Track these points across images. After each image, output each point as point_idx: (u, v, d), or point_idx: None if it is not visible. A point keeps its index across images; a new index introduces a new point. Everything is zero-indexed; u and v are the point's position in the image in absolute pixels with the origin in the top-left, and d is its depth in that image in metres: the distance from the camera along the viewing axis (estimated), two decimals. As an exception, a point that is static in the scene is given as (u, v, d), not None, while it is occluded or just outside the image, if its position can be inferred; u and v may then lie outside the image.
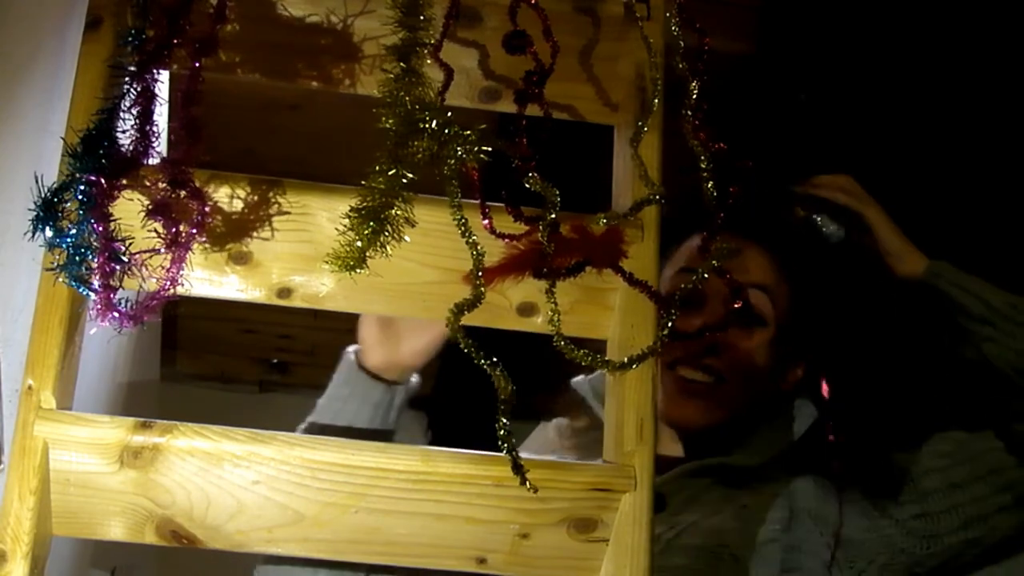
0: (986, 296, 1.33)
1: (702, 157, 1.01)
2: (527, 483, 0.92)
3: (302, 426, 1.28)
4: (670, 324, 0.98)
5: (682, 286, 1.02)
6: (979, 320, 1.32)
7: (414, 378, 1.31)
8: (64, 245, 0.93)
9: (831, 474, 1.36)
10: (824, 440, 1.39)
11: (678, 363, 1.37)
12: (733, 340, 1.37)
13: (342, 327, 1.33)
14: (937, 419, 1.40)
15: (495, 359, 0.92)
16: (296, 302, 1.08)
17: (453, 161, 0.93)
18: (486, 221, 0.99)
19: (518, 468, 0.92)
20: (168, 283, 0.99)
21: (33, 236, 0.93)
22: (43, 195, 0.93)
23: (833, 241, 1.41)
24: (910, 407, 1.50)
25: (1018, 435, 1.31)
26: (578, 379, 1.44)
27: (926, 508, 1.32)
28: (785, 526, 1.32)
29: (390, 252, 0.94)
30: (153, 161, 1.00)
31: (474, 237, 0.95)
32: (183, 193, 1.00)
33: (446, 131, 0.92)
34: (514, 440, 0.92)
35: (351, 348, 1.30)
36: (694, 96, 1.02)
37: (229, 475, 1.00)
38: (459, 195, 0.95)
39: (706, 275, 1.01)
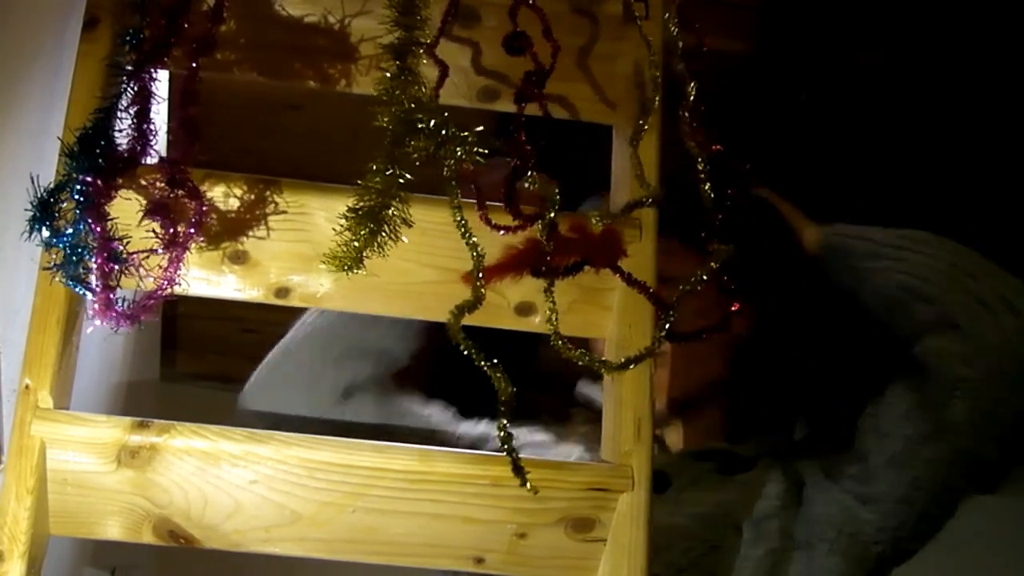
0: (870, 234, 1.35)
1: (699, 159, 1.01)
2: (527, 484, 0.92)
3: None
4: (667, 325, 0.98)
5: (681, 287, 1.01)
6: (868, 256, 1.33)
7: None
8: (61, 245, 0.93)
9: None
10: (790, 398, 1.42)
11: None
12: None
13: (342, 327, 1.32)
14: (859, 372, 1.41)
15: (495, 360, 0.92)
16: (294, 301, 1.08)
17: (451, 161, 0.93)
18: (480, 211, 0.99)
19: (519, 469, 0.92)
20: (166, 283, 0.99)
21: (30, 236, 0.93)
22: (39, 195, 0.93)
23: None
24: (836, 364, 1.49)
25: (916, 359, 1.30)
26: (582, 384, 1.44)
27: (867, 470, 1.32)
28: (785, 502, 1.33)
29: (388, 252, 0.94)
30: (151, 161, 1.00)
31: (474, 238, 0.95)
32: (181, 193, 1.00)
33: (443, 131, 0.92)
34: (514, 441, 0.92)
35: None
36: (691, 97, 1.02)
37: (226, 475, 1.00)
38: (459, 195, 0.95)
39: (704, 277, 1.01)
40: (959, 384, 1.27)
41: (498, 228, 0.98)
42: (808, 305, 1.43)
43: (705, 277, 1.01)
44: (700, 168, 1.01)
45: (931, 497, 1.31)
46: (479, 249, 0.95)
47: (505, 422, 0.92)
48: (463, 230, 0.94)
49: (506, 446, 0.92)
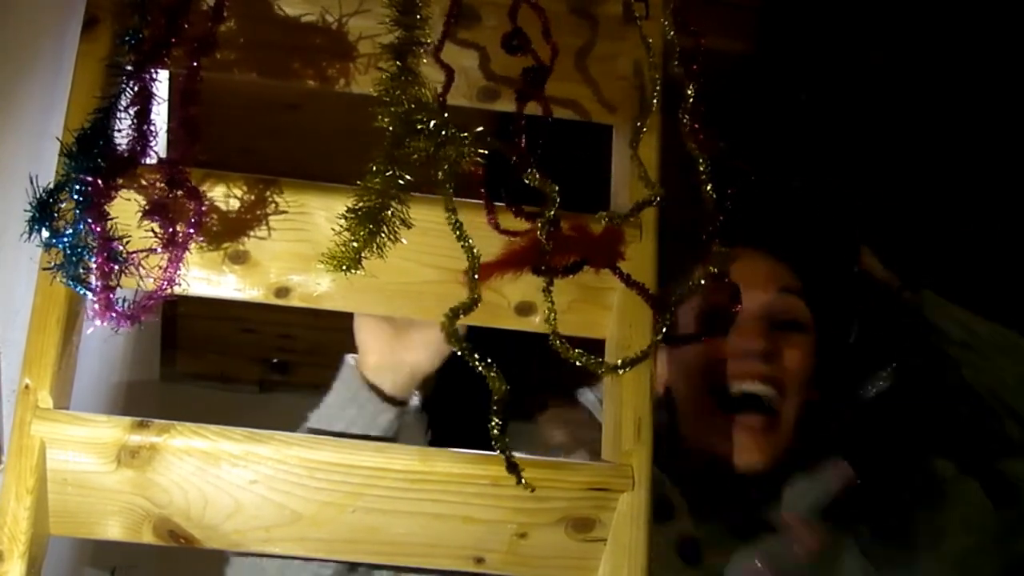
0: (967, 322, 1.31)
1: (700, 160, 1.01)
2: (522, 481, 0.92)
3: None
4: (665, 328, 0.98)
5: (679, 291, 1.01)
6: (960, 345, 1.30)
7: (415, 399, 1.23)
8: (61, 245, 0.93)
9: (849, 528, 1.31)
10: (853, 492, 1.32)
11: (728, 390, 1.27)
12: (776, 349, 1.28)
13: (342, 327, 1.31)
14: (929, 453, 1.35)
15: (489, 360, 0.92)
16: (294, 301, 1.08)
17: (450, 162, 0.93)
18: (490, 216, 0.99)
19: (512, 467, 0.92)
20: (166, 282, 0.99)
21: (29, 237, 0.93)
22: (39, 195, 0.93)
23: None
24: (906, 442, 1.46)
25: (998, 474, 1.28)
26: (583, 391, 1.42)
27: (918, 561, 1.28)
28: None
29: (387, 252, 0.94)
30: (150, 161, 1.00)
31: (470, 240, 0.94)
32: (180, 193, 1.00)
33: (443, 132, 0.92)
34: (508, 440, 0.92)
35: (351, 358, 1.22)
36: (691, 99, 1.02)
37: (227, 475, 1.00)
38: (453, 196, 0.95)
39: (703, 281, 1.01)
40: None
41: (507, 232, 0.98)
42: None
43: (704, 282, 1.01)
44: (701, 169, 1.00)
45: None
46: (475, 251, 0.94)
47: (499, 420, 0.92)
48: (458, 233, 0.94)
49: (499, 444, 0.92)
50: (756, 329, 1.28)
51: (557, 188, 0.97)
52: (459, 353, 0.92)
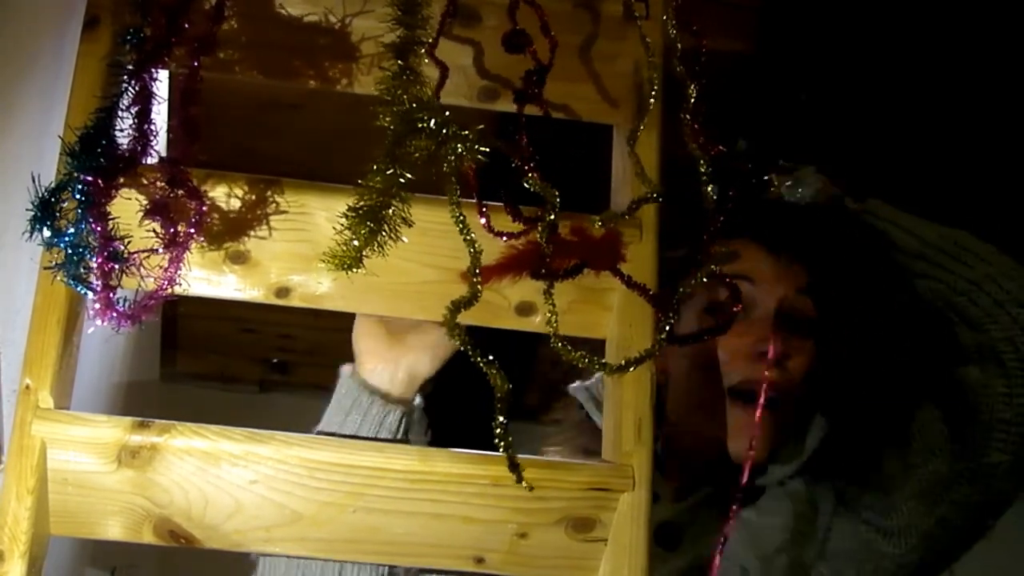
0: (919, 230, 1.27)
1: (701, 160, 1.01)
2: (522, 481, 0.92)
3: None
4: (668, 328, 0.98)
5: (680, 290, 1.01)
6: (909, 255, 1.25)
7: (418, 399, 1.23)
8: (62, 245, 0.93)
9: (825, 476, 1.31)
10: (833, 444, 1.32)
11: (741, 386, 1.27)
12: (788, 351, 1.27)
13: (343, 327, 1.31)
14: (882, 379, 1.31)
15: (491, 357, 0.92)
16: (294, 301, 1.08)
17: (451, 160, 0.93)
18: (484, 220, 0.99)
19: (514, 466, 0.92)
20: (166, 282, 0.99)
21: (31, 236, 0.93)
22: (40, 195, 0.93)
23: (806, 201, 1.31)
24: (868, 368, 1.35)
25: (955, 385, 1.23)
26: (575, 385, 1.42)
27: (890, 502, 1.27)
28: (794, 534, 1.28)
29: (388, 251, 0.94)
30: (151, 160, 1.00)
31: (472, 236, 0.95)
32: (181, 192, 1.00)
33: (444, 130, 0.92)
34: (511, 439, 0.92)
35: (348, 368, 1.21)
36: (692, 99, 1.02)
37: (227, 475, 1.00)
38: (458, 194, 0.95)
39: (704, 279, 1.00)
40: (1000, 427, 1.21)
41: (500, 234, 0.98)
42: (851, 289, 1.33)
43: (704, 280, 1.00)
44: (702, 170, 1.00)
45: (957, 535, 1.26)
46: (476, 245, 0.94)
47: (502, 420, 0.92)
48: (461, 227, 0.94)
49: (502, 443, 0.92)
50: (769, 329, 1.26)
51: (557, 193, 0.97)
52: (462, 349, 0.92)
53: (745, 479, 1.22)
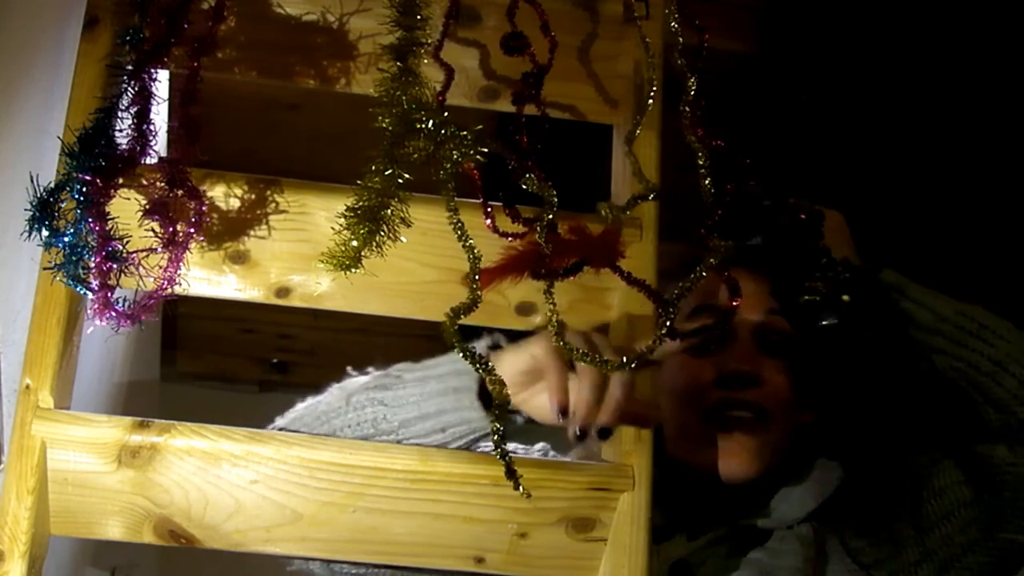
0: (932, 304, 1.25)
1: (700, 154, 1.01)
2: (520, 488, 0.92)
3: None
4: (668, 324, 0.98)
5: (678, 289, 1.00)
6: (927, 330, 1.24)
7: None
8: (61, 245, 0.93)
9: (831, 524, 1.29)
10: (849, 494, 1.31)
11: (716, 408, 1.26)
12: (767, 372, 1.27)
13: (342, 327, 1.31)
14: (904, 443, 1.32)
15: (489, 364, 0.93)
16: (294, 301, 1.08)
17: (449, 162, 0.93)
18: (488, 220, 0.99)
19: (511, 473, 0.92)
20: (166, 282, 0.99)
21: (30, 236, 0.93)
22: (39, 195, 0.93)
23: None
24: (886, 431, 1.37)
25: (979, 459, 1.24)
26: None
27: (901, 564, 1.25)
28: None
29: (388, 251, 0.94)
30: (151, 160, 1.00)
31: (471, 241, 0.94)
32: (181, 192, 1.00)
33: (442, 131, 0.92)
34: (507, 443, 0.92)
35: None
36: (692, 92, 1.02)
37: (227, 474, 1.00)
38: (455, 197, 0.95)
39: (704, 274, 1.00)
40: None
41: (504, 235, 0.98)
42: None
43: (704, 274, 1.00)
44: (701, 163, 1.00)
45: None
46: (475, 251, 0.94)
47: (499, 425, 0.92)
48: (459, 232, 0.94)
49: (499, 448, 0.92)
50: (747, 350, 1.27)
51: (555, 193, 0.97)
52: (460, 355, 0.92)
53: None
